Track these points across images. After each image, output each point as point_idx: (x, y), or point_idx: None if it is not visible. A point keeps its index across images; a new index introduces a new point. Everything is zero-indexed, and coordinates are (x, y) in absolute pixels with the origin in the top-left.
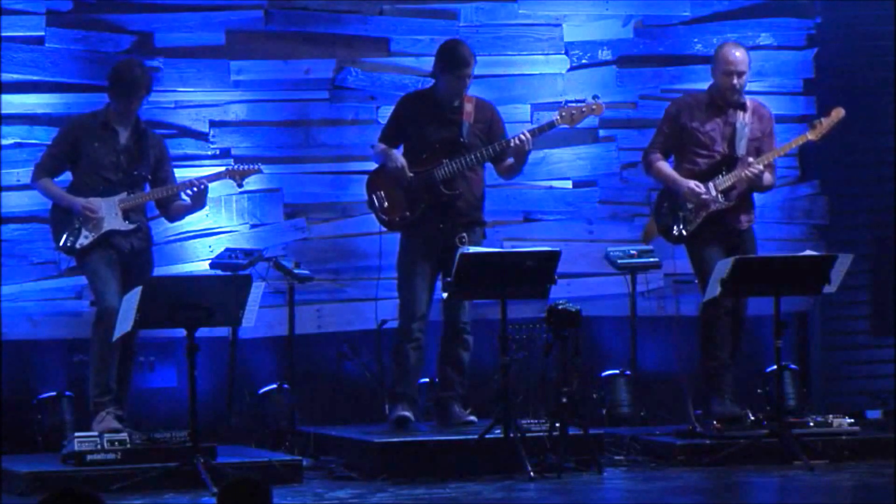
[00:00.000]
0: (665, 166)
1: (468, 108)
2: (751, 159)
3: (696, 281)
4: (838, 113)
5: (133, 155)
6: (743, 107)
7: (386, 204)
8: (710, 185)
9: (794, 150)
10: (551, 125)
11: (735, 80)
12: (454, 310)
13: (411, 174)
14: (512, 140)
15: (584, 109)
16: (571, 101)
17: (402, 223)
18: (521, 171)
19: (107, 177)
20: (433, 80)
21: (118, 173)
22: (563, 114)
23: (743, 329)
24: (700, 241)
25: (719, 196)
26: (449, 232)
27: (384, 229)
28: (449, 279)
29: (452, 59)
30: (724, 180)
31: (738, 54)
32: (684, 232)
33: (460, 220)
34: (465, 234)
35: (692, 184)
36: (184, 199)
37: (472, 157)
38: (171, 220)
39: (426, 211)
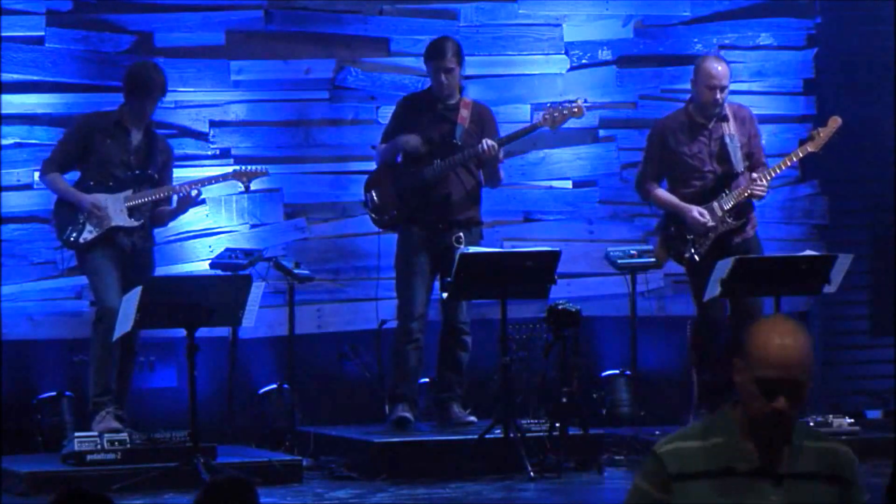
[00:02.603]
0: (664, 194)
1: (464, 111)
2: (754, 175)
3: (692, 298)
4: (835, 122)
5: (143, 155)
6: (724, 118)
7: (378, 202)
8: (715, 205)
9: (794, 150)
10: (534, 127)
11: (717, 95)
12: (452, 310)
13: (402, 173)
14: (480, 147)
15: (565, 112)
16: (556, 102)
17: (391, 222)
18: (499, 178)
19: (115, 174)
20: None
21: (127, 171)
22: (546, 116)
23: None
24: (705, 264)
25: (727, 217)
26: (445, 232)
27: (381, 229)
28: (449, 279)
29: (432, 51)
30: (729, 199)
31: (720, 68)
32: (696, 257)
33: (454, 219)
34: (461, 234)
35: (696, 212)
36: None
37: (458, 157)
38: (154, 225)
39: (417, 211)
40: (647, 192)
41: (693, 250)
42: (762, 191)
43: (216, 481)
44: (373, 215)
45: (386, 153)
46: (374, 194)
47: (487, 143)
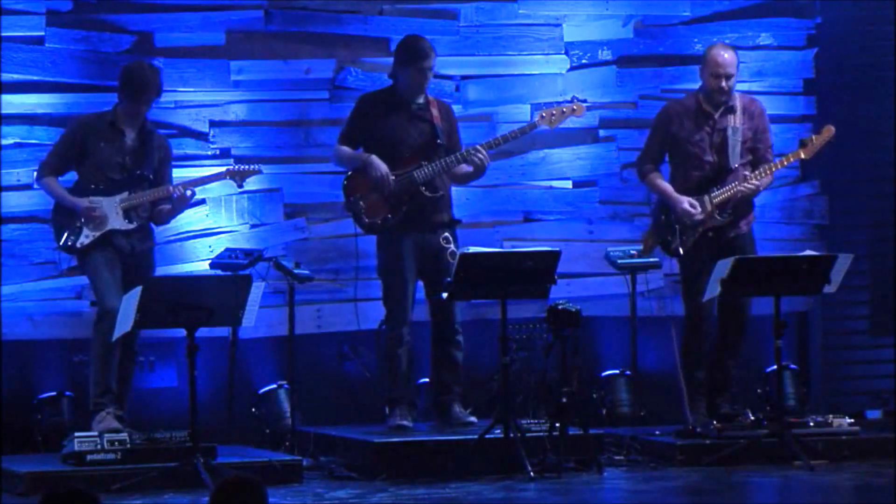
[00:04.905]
0: (659, 180)
1: (434, 109)
2: (747, 173)
3: (682, 294)
4: (829, 131)
5: (138, 156)
6: (732, 110)
7: (365, 206)
8: (706, 198)
9: (794, 150)
10: (532, 126)
11: (723, 83)
12: (446, 312)
13: (393, 176)
14: (475, 156)
15: (564, 110)
16: (555, 102)
17: (384, 225)
18: (478, 179)
19: (111, 176)
20: (391, 80)
21: (122, 173)
22: (544, 115)
23: (745, 332)
24: (695, 258)
25: (716, 212)
26: (432, 234)
27: (369, 233)
28: (448, 279)
29: (412, 52)
30: (719, 194)
31: (727, 56)
32: (681, 250)
33: (440, 219)
34: (447, 235)
35: (686, 204)
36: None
37: (453, 158)
38: (157, 224)
39: (407, 213)
40: (643, 175)
41: (679, 241)
42: (752, 190)
43: (227, 481)
44: (363, 219)
45: (345, 162)
46: (359, 198)
47: (482, 153)
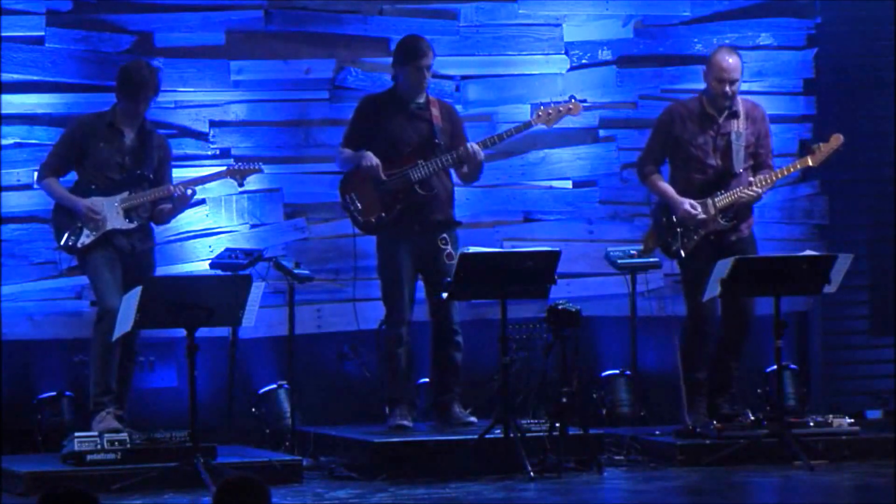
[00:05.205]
0: (660, 181)
1: (434, 110)
2: (751, 178)
3: (683, 295)
4: (837, 139)
5: (138, 155)
6: (735, 114)
7: (360, 205)
8: (709, 201)
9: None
10: (527, 125)
11: (727, 88)
12: (445, 312)
13: (385, 175)
14: (469, 147)
15: (560, 109)
16: (550, 102)
17: (378, 224)
18: (478, 178)
19: (111, 176)
20: (392, 82)
21: (122, 173)
22: (540, 113)
23: (748, 333)
24: (697, 261)
25: (719, 216)
26: (429, 233)
27: (364, 232)
28: (448, 279)
29: (410, 51)
30: (723, 198)
31: (732, 61)
32: (682, 252)
33: (436, 219)
34: (445, 236)
35: (688, 205)
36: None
37: (448, 158)
38: (157, 223)
39: (402, 212)
40: (644, 176)
41: (680, 244)
42: (755, 196)
43: (230, 481)
44: (357, 218)
45: (346, 163)
46: (354, 197)
47: (474, 147)
